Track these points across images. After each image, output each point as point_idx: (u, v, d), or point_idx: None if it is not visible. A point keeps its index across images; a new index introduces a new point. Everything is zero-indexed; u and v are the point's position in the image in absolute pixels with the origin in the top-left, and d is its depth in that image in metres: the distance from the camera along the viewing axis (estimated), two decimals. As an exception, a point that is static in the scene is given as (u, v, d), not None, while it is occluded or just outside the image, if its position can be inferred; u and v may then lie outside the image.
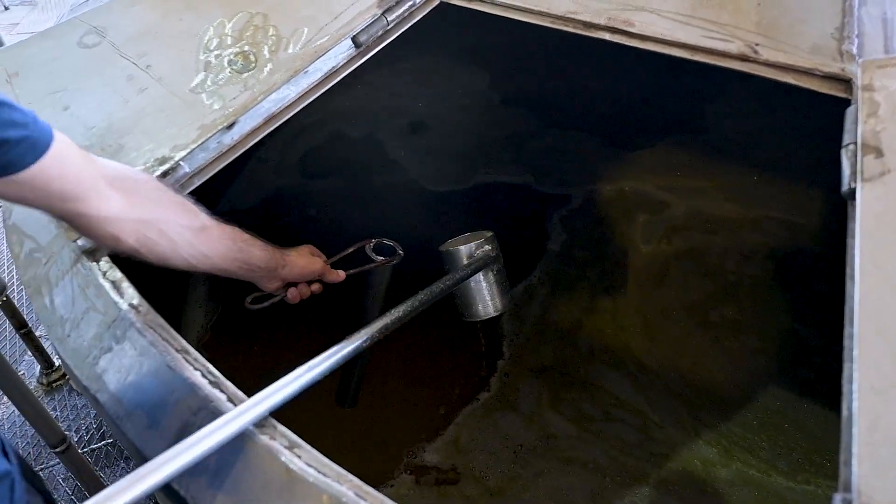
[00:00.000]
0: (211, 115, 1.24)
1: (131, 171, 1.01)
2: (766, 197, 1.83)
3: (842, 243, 0.86)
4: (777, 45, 1.17)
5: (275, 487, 0.80)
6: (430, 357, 2.07)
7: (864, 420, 0.67)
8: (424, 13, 1.42)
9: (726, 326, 1.86)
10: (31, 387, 2.43)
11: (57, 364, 2.47)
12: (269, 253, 1.18)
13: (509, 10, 1.38)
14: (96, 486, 1.92)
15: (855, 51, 1.12)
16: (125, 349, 0.99)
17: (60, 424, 2.25)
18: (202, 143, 1.19)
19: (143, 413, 0.94)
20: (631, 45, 1.26)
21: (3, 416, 2.38)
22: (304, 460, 0.81)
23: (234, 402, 0.88)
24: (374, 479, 1.79)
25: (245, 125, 1.24)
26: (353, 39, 1.34)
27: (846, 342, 0.74)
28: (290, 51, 1.35)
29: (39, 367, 2.47)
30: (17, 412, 1.84)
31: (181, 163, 1.16)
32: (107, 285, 1.06)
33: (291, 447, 0.83)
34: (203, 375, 0.92)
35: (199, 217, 1.04)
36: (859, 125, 0.98)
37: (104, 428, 2.29)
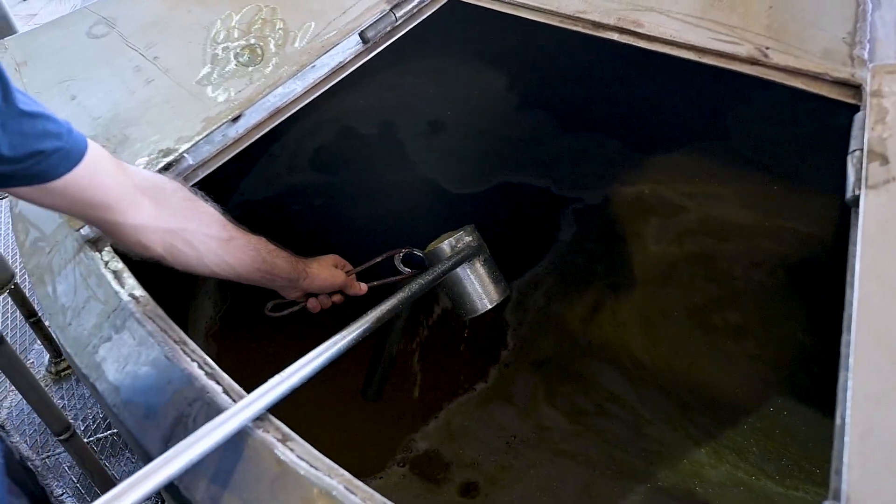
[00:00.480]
0: (216, 108, 1.24)
1: (161, 179, 1.03)
2: (784, 207, 1.82)
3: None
4: (787, 48, 1.15)
5: (267, 479, 0.80)
6: (434, 349, 2.08)
7: (856, 429, 0.66)
8: (433, 10, 1.41)
9: (727, 330, 1.85)
10: (40, 376, 2.45)
11: (65, 353, 2.48)
12: (292, 264, 1.20)
13: (518, 8, 1.37)
14: (100, 475, 1.93)
15: (866, 56, 1.10)
16: (124, 339, 1.00)
17: (68, 413, 2.28)
18: (207, 136, 1.20)
19: (140, 402, 0.94)
20: (639, 45, 1.25)
21: (11, 404, 2.40)
22: (296, 453, 0.81)
23: (229, 393, 0.89)
24: (370, 466, 1.82)
25: (250, 119, 1.24)
26: (361, 35, 1.34)
27: (843, 350, 0.73)
28: (297, 45, 1.35)
29: (49, 356, 2.49)
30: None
31: (185, 155, 1.17)
32: (108, 275, 1.07)
33: (284, 440, 0.83)
34: (200, 367, 0.93)
35: (227, 228, 1.07)
36: (866, 131, 0.97)
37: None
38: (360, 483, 0.78)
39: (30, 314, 2.24)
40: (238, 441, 0.83)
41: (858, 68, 1.09)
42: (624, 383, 1.89)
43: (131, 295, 1.03)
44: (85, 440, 2.10)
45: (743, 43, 1.18)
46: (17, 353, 2.23)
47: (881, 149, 0.93)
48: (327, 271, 1.27)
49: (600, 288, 2.07)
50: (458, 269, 1.35)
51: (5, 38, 1.46)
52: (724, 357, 1.83)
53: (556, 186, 2.20)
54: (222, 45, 1.37)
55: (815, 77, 1.11)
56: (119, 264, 1.08)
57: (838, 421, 0.68)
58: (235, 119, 1.23)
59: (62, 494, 2.11)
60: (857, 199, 0.89)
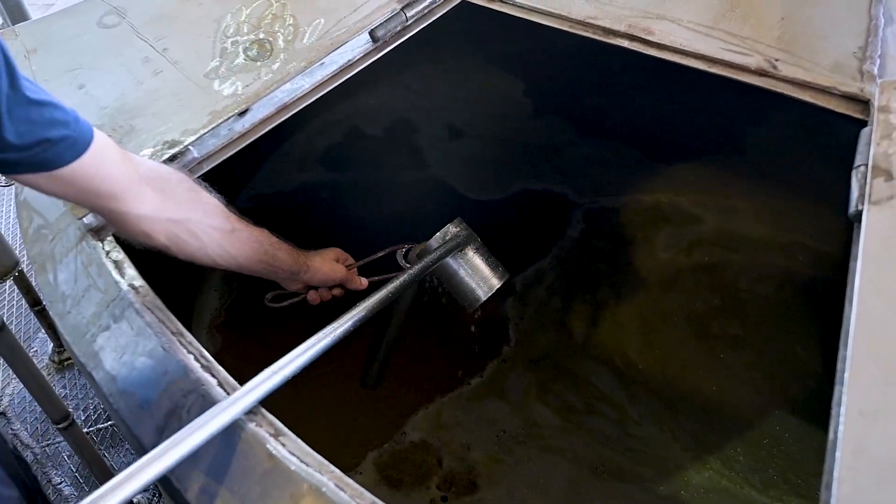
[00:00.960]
0: (223, 102, 1.25)
1: (166, 170, 1.04)
2: (800, 223, 1.82)
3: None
4: (797, 60, 1.15)
5: (258, 473, 0.80)
6: (436, 341, 2.08)
7: (848, 444, 0.65)
8: (444, 11, 1.41)
9: (725, 339, 1.85)
10: (43, 364, 2.46)
11: (69, 342, 2.48)
12: (294, 257, 1.21)
13: (529, 12, 1.37)
14: (98, 465, 1.94)
15: (876, 71, 1.10)
16: (122, 328, 1.00)
17: (69, 403, 2.28)
18: (212, 129, 1.20)
19: (136, 392, 0.95)
20: (648, 53, 1.25)
21: (14, 392, 2.41)
22: (287, 448, 0.81)
23: (224, 386, 0.89)
24: (358, 454, 1.82)
25: (257, 113, 1.24)
26: (371, 33, 1.34)
27: (839, 365, 0.73)
28: (306, 41, 1.35)
29: (52, 345, 2.49)
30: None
31: (190, 147, 1.17)
32: (109, 264, 1.07)
33: (277, 435, 0.83)
34: (196, 359, 0.93)
35: (230, 219, 1.08)
36: (872, 147, 0.96)
37: (111, 408, 2.31)
38: (350, 480, 0.78)
39: (35, 302, 2.24)
40: (231, 434, 0.83)
41: (868, 83, 1.08)
42: (615, 383, 1.89)
43: (131, 285, 1.03)
44: (85, 430, 2.11)
45: (753, 54, 1.18)
46: (21, 340, 2.24)
47: (886, 165, 0.93)
48: (328, 265, 1.28)
49: (601, 287, 2.07)
50: (450, 261, 1.35)
51: (17, 25, 1.47)
52: (719, 365, 1.84)
53: (574, 193, 2.22)
54: (231, 39, 1.37)
55: (824, 91, 1.11)
56: (120, 254, 1.08)
57: (831, 436, 0.68)
58: (242, 113, 1.24)
59: (60, 483, 2.11)
60: (859, 214, 0.89)
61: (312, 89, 1.29)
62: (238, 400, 0.84)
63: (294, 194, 2.22)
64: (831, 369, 0.75)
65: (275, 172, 2.19)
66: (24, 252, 2.82)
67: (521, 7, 1.38)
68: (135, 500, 1.97)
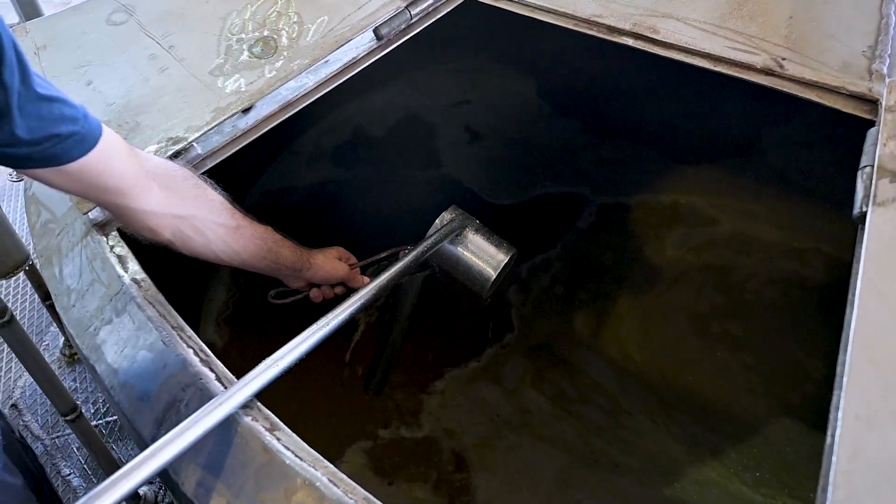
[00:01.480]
0: (227, 99, 1.25)
1: (172, 166, 1.05)
2: (816, 228, 1.81)
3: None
4: (805, 60, 1.14)
5: (253, 467, 0.81)
6: (437, 329, 2.09)
7: (844, 448, 0.65)
8: (449, 9, 1.41)
9: (725, 339, 1.85)
10: (54, 358, 2.48)
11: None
12: (297, 254, 1.22)
13: (534, 10, 1.37)
14: (105, 458, 1.95)
15: (885, 70, 1.08)
16: (124, 322, 1.01)
17: (78, 396, 2.30)
18: (216, 126, 1.20)
19: (136, 385, 0.96)
20: (654, 52, 1.24)
21: (25, 384, 2.44)
22: (282, 443, 0.82)
23: (221, 381, 0.90)
24: (350, 435, 1.83)
25: (261, 111, 1.24)
26: (375, 31, 1.34)
27: (838, 369, 0.72)
28: (310, 39, 1.35)
29: (63, 338, 2.51)
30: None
31: (194, 144, 1.18)
32: (113, 259, 1.08)
33: (272, 429, 0.84)
34: (195, 353, 0.94)
35: (234, 216, 1.08)
36: (878, 147, 0.95)
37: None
38: (343, 476, 0.78)
39: (46, 296, 2.25)
40: (227, 428, 0.84)
41: (876, 83, 1.07)
42: (609, 373, 1.90)
43: (133, 279, 1.04)
44: (93, 423, 2.13)
45: (759, 53, 1.16)
46: (34, 334, 2.26)
47: (893, 166, 0.92)
48: (331, 263, 1.29)
49: (605, 278, 2.07)
50: (450, 247, 1.33)
51: (27, 22, 1.48)
52: (717, 364, 1.83)
53: (592, 193, 2.21)
54: (237, 37, 1.37)
55: (831, 90, 1.09)
56: (124, 249, 1.09)
57: (828, 440, 0.67)
58: (246, 111, 1.24)
59: (69, 474, 2.14)
60: (863, 215, 0.88)
61: (316, 87, 1.29)
62: (235, 393, 0.84)
63: (299, 192, 2.23)
64: (833, 376, 0.74)
65: (279, 170, 2.19)
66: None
67: (526, 5, 1.38)
68: (142, 493, 1.99)
